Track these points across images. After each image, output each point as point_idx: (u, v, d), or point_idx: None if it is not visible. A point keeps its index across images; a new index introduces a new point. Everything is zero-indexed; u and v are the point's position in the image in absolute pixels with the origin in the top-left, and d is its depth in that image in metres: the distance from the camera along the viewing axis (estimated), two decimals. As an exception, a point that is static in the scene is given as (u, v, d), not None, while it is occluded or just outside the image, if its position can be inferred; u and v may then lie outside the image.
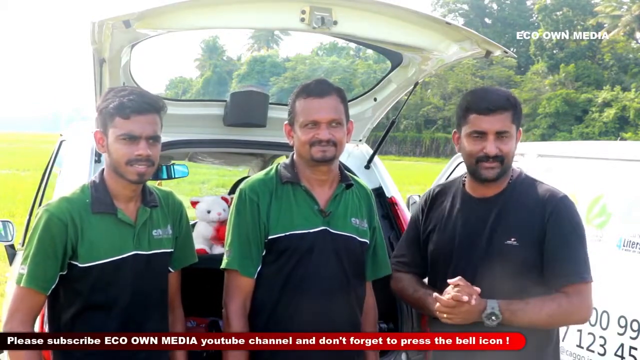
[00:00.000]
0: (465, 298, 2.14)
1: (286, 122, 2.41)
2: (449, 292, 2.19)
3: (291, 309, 2.31)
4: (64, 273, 2.14)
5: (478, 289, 2.17)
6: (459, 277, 2.20)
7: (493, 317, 2.16)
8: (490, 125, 2.25)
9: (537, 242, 2.26)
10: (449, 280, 2.21)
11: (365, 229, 2.46)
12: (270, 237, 2.32)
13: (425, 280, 2.54)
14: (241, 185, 2.42)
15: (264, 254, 2.35)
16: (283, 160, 2.52)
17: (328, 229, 2.36)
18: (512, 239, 2.26)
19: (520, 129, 2.35)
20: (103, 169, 2.26)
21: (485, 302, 2.17)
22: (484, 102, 2.27)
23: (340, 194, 2.42)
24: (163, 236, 2.30)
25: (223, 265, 2.36)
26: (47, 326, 2.26)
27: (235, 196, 2.42)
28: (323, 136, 2.29)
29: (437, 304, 2.20)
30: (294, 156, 2.43)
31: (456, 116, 2.38)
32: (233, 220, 2.37)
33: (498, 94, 2.30)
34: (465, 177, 2.44)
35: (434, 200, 2.52)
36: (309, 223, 2.34)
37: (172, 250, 2.35)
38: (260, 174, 2.46)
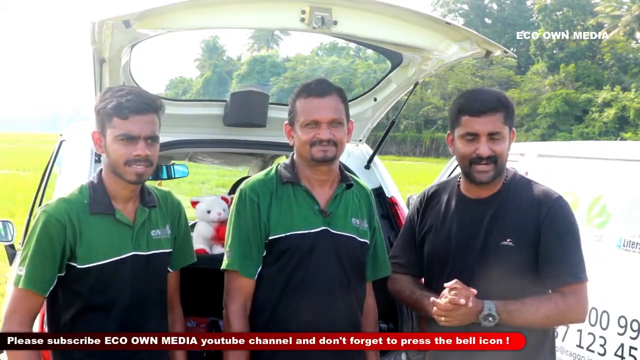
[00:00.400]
0: (463, 301, 2.14)
1: (286, 122, 2.41)
2: (446, 295, 2.18)
3: (292, 310, 2.31)
4: (63, 274, 2.14)
5: (474, 291, 2.17)
6: (455, 280, 2.20)
7: (490, 318, 2.17)
8: (482, 127, 2.25)
9: (533, 243, 2.27)
10: (445, 284, 2.21)
11: (366, 229, 2.45)
12: (270, 238, 2.32)
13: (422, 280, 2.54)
14: (241, 186, 2.41)
15: (264, 254, 2.34)
16: (283, 160, 2.52)
17: (328, 229, 2.35)
18: (508, 240, 2.27)
19: (514, 129, 2.35)
20: (101, 170, 2.25)
21: (482, 303, 2.17)
22: (475, 103, 2.27)
23: (340, 194, 2.41)
24: (162, 236, 2.29)
25: (223, 266, 2.35)
26: (46, 327, 2.26)
27: (235, 196, 2.41)
28: (324, 136, 2.28)
29: (435, 307, 2.20)
30: (294, 156, 2.42)
31: (449, 118, 2.39)
32: (233, 221, 2.36)
33: (489, 95, 2.30)
34: (460, 178, 2.44)
35: (429, 200, 2.52)
36: (309, 223, 2.34)
37: (171, 250, 2.35)
38: (261, 174, 2.45)
